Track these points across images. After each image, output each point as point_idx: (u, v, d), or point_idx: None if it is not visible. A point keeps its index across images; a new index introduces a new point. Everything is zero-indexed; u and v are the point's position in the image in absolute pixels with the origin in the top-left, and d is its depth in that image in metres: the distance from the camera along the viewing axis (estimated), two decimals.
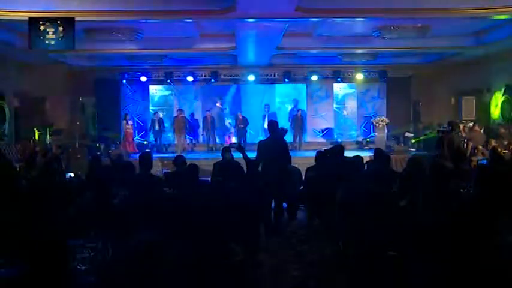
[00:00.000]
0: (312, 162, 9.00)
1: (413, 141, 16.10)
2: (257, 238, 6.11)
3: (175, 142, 16.86)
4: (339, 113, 18.44)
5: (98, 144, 15.28)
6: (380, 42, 12.50)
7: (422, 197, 4.05)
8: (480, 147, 11.49)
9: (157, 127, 16.80)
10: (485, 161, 10.14)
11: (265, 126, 16.06)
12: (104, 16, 9.40)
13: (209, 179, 8.07)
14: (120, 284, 2.78)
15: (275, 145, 7.71)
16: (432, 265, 3.49)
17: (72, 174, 9.10)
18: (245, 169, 7.44)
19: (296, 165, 9.21)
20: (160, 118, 17.04)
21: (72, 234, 3.60)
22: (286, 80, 17.58)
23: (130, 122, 16.31)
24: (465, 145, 11.60)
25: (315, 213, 8.11)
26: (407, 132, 16.72)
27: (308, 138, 17.81)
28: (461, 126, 13.20)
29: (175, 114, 17.04)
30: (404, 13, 9.48)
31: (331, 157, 8.08)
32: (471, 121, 13.93)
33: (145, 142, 17.05)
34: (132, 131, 16.36)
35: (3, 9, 8.78)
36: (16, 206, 4.13)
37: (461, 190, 5.43)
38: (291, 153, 8.51)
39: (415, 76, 17.73)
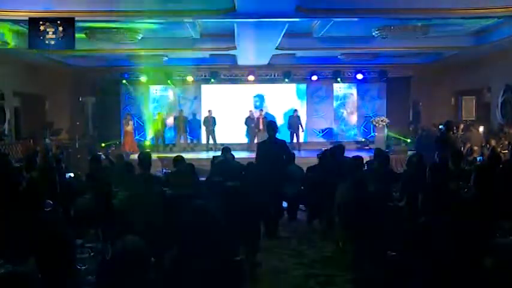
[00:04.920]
0: (312, 162, 9.00)
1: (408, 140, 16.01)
2: (258, 238, 6.11)
3: (175, 142, 17.02)
4: (339, 113, 18.45)
5: (97, 144, 15.27)
6: (380, 42, 12.50)
7: (422, 197, 4.05)
8: (476, 147, 11.46)
9: (159, 127, 16.82)
10: (481, 158, 10.15)
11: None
12: (104, 16, 9.40)
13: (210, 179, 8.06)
14: (120, 284, 2.78)
15: (274, 146, 7.68)
16: (432, 265, 3.49)
17: (72, 174, 9.07)
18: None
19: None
20: (163, 118, 17.07)
21: (72, 234, 3.61)
22: (286, 80, 17.52)
23: (130, 122, 16.29)
24: (462, 145, 11.57)
25: (315, 213, 8.12)
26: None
27: (308, 138, 17.79)
28: (461, 126, 13.19)
29: (177, 114, 17.19)
30: (404, 13, 9.48)
31: (331, 157, 8.09)
32: (470, 121, 13.92)
33: (146, 142, 17.02)
34: (132, 131, 16.34)
35: (3, 9, 8.78)
36: (16, 205, 4.13)
37: (461, 190, 5.43)
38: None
39: (415, 76, 17.70)
